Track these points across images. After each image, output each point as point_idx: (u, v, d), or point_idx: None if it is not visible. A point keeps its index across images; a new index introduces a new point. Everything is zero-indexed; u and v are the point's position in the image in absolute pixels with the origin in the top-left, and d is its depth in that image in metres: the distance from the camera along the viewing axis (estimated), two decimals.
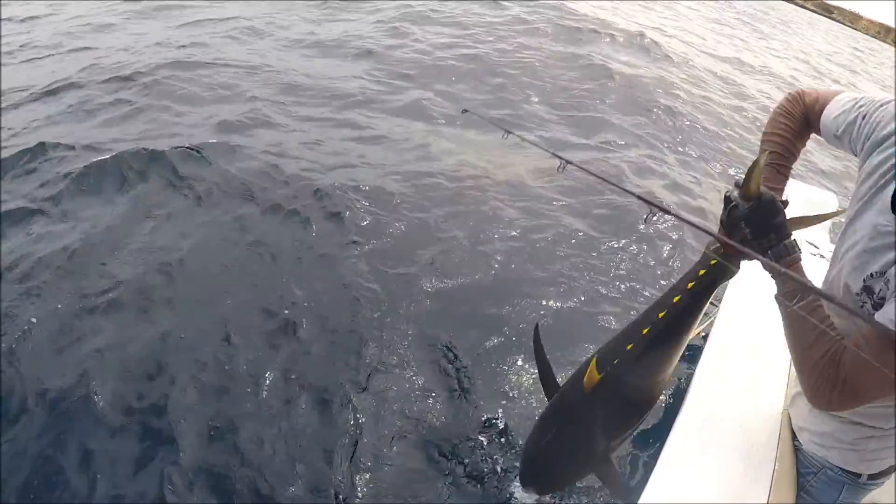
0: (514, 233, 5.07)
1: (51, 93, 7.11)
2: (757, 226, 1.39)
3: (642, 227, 5.21)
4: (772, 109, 1.74)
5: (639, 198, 1.69)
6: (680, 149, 8.06)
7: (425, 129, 7.09)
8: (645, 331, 1.76)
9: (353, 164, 5.93)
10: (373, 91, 8.05)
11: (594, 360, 1.88)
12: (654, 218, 1.72)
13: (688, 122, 9.07)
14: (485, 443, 3.17)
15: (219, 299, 3.99)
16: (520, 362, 3.70)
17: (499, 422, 3.28)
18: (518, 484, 2.45)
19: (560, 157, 2.07)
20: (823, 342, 1.32)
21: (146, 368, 3.42)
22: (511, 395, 3.51)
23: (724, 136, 9.02)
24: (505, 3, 14.67)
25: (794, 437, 1.89)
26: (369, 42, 10.32)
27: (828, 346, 1.31)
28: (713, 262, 1.62)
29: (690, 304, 1.71)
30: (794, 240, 1.41)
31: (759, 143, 1.76)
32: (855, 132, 1.45)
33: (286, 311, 3.90)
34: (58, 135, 5.97)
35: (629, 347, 1.79)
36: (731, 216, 1.44)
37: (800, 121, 1.65)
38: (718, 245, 1.58)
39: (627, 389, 1.88)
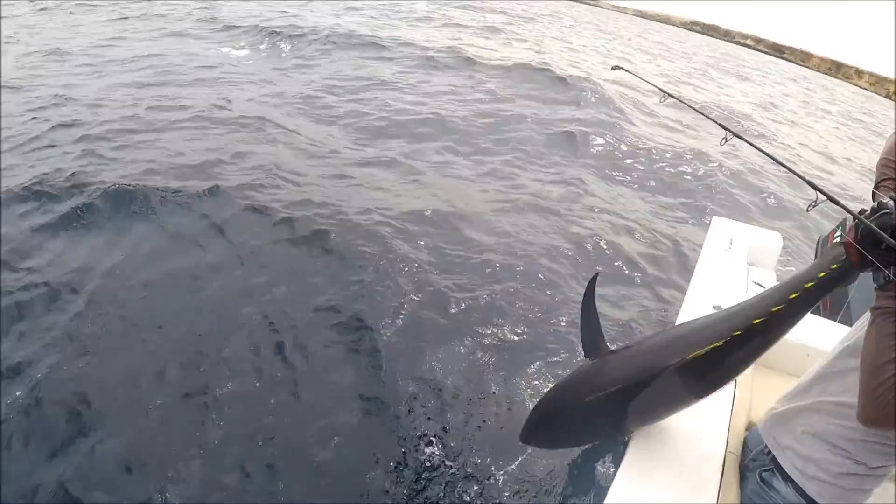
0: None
1: None
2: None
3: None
4: (886, 145, 1.84)
5: (809, 184, 1.93)
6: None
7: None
8: (757, 321, 1.76)
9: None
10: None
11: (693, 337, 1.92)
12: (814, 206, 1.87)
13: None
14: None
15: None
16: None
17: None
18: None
19: (726, 128, 2.32)
20: None
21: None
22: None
23: None
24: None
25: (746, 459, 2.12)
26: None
27: None
28: (835, 266, 1.64)
29: (803, 304, 1.71)
30: None
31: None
32: None
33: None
34: None
35: (736, 333, 1.78)
36: (882, 222, 1.46)
37: None
38: (841, 251, 1.62)
39: (713, 375, 1.92)
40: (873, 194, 1.71)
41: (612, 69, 3.88)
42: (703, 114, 2.82)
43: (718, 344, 1.80)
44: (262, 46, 14.73)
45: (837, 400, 1.70)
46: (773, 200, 9.57)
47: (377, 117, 9.78)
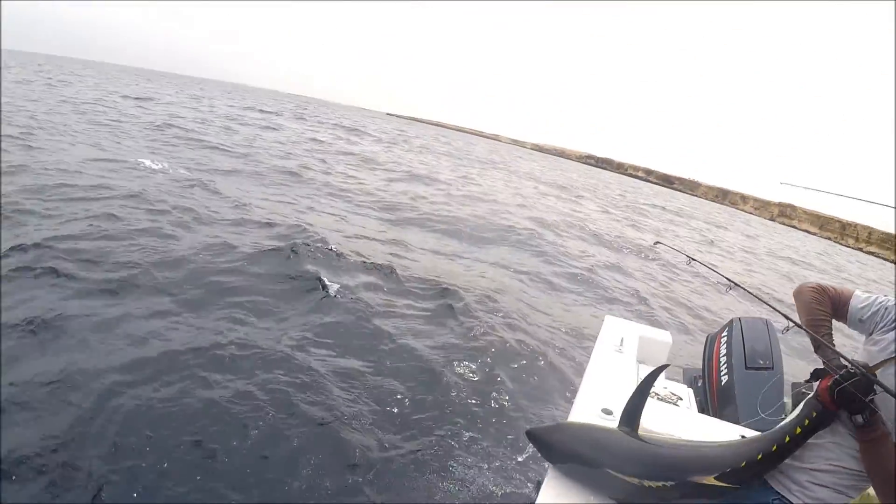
0: None
1: None
2: (869, 390, 1.91)
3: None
4: (801, 300, 2.32)
5: (786, 317, 2.39)
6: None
7: None
8: (759, 456, 2.16)
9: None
10: None
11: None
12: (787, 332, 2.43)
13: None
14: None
15: None
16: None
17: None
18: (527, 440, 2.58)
19: (730, 280, 3.03)
20: None
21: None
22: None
23: None
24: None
25: None
26: None
27: None
28: (815, 413, 2.07)
29: (794, 444, 2.15)
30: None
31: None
32: (879, 318, 2.14)
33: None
34: None
35: (743, 465, 2.17)
36: (857, 384, 1.92)
37: (830, 309, 2.26)
38: (817, 401, 2.07)
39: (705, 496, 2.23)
40: (816, 350, 2.16)
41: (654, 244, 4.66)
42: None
43: (727, 470, 2.17)
44: None
45: (835, 463, 2.10)
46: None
47: None
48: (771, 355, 4.22)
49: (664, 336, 4.47)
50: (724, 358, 4.32)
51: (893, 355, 2.01)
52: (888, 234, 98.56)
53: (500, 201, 23.01)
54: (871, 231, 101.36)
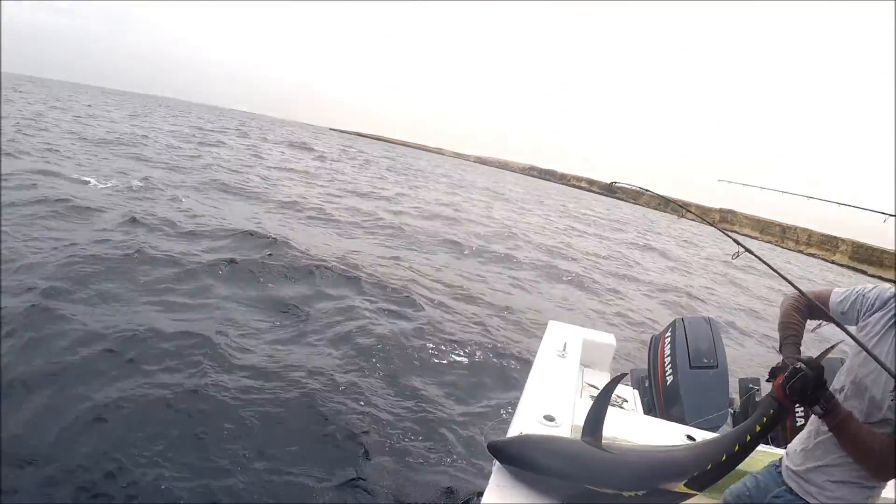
0: None
1: None
2: (818, 384, 2.01)
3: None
4: (781, 308, 2.47)
5: (802, 292, 2.42)
6: None
7: None
8: (723, 457, 2.20)
9: None
10: None
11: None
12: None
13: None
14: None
15: None
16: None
17: None
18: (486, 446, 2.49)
19: (739, 244, 2.86)
20: (874, 439, 2.04)
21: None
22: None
23: None
24: None
25: None
26: None
27: (878, 439, 2.04)
28: (772, 410, 2.14)
29: (754, 443, 2.21)
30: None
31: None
32: (858, 306, 2.29)
33: None
34: None
35: (709, 467, 2.19)
36: (803, 379, 1.99)
37: (806, 313, 2.41)
38: (770, 402, 2.14)
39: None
40: (779, 350, 2.29)
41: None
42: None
43: (695, 474, 2.19)
44: None
45: (845, 455, 2.17)
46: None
47: None
48: (715, 353, 4.30)
49: (608, 339, 4.50)
50: (669, 358, 4.37)
51: (838, 343, 2.21)
52: (827, 236, 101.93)
53: (452, 216, 23.44)
54: (810, 233, 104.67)
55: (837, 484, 2.21)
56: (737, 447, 2.20)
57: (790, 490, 2.38)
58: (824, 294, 2.43)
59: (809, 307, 2.42)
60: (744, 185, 4.33)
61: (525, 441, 2.44)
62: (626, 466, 2.28)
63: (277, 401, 5.25)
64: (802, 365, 2.02)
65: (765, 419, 2.15)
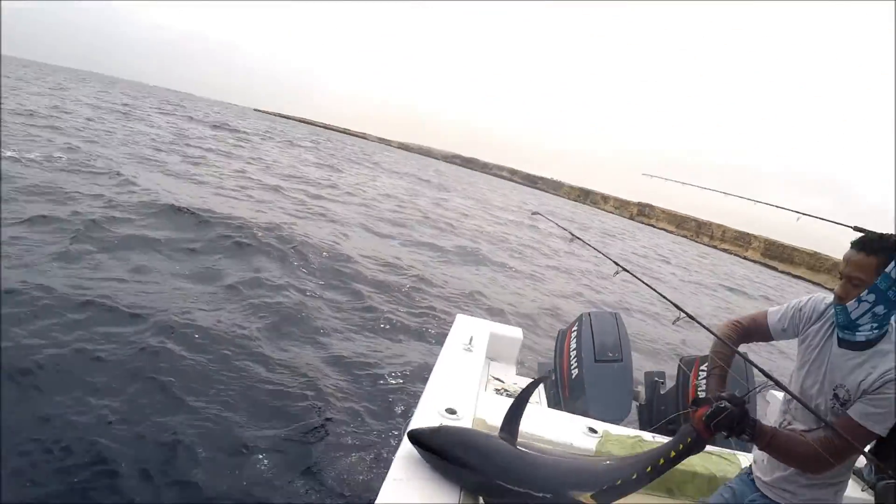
0: None
1: None
2: (743, 418, 2.11)
3: None
4: (718, 334, 2.53)
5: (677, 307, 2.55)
6: None
7: None
8: (634, 476, 2.22)
9: None
10: None
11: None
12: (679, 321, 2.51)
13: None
14: None
15: None
16: None
17: None
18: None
19: (617, 264, 3.04)
20: (800, 445, 2.18)
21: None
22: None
23: None
24: None
25: None
26: None
27: (804, 445, 2.17)
28: (690, 440, 2.18)
29: (667, 466, 2.25)
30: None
31: None
32: (796, 320, 2.42)
33: None
34: None
35: (618, 483, 2.23)
36: (731, 416, 2.08)
37: (738, 341, 2.53)
38: (689, 431, 2.18)
39: None
40: (706, 379, 2.50)
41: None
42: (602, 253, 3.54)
43: (604, 487, 2.22)
44: None
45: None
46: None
47: None
48: (620, 348, 4.40)
49: (515, 332, 4.57)
50: (575, 352, 4.45)
51: (764, 386, 2.32)
52: (741, 233, 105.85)
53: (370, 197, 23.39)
54: (724, 229, 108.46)
55: (806, 487, 2.35)
56: (649, 468, 2.24)
57: (764, 495, 2.51)
58: (760, 317, 2.55)
59: (744, 333, 2.56)
60: (665, 179, 4.48)
61: (442, 431, 2.46)
62: (541, 468, 2.32)
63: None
64: (727, 403, 2.11)
65: (681, 446, 2.21)
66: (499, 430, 2.47)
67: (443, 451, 2.35)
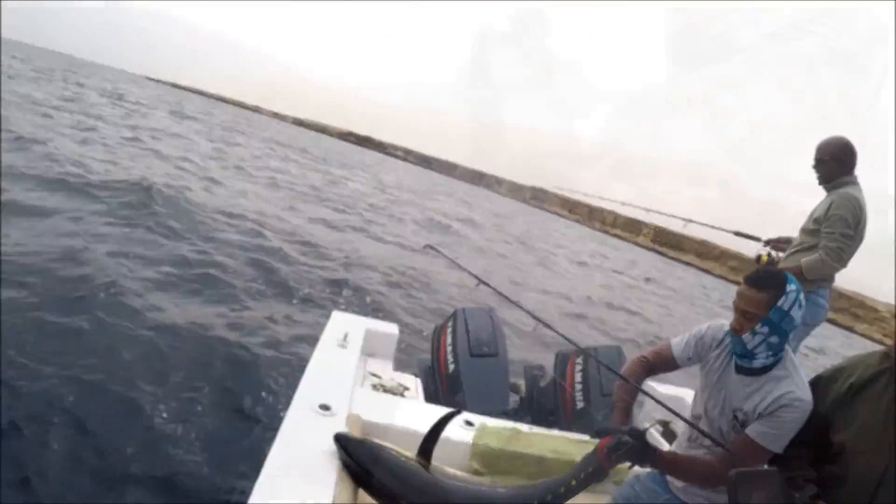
0: None
1: None
2: (643, 449, 2.34)
3: None
4: (623, 372, 2.77)
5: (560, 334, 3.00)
6: None
7: None
8: (549, 496, 2.40)
9: None
10: None
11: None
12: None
13: None
14: None
15: None
16: None
17: None
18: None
19: (477, 277, 3.31)
20: (702, 465, 2.47)
21: None
22: None
23: None
24: None
25: None
26: None
27: (701, 464, 2.48)
28: (591, 468, 2.37)
29: (568, 494, 2.40)
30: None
31: None
32: (699, 349, 2.63)
33: None
34: None
35: (549, 497, 2.40)
36: (631, 450, 2.31)
37: (643, 376, 2.76)
38: (595, 459, 2.38)
39: None
40: (612, 410, 2.64)
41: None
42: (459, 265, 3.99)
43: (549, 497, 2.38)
44: None
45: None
46: None
47: None
48: (495, 342, 4.54)
49: (391, 328, 4.70)
50: (451, 347, 4.55)
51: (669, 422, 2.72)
52: (632, 219, 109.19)
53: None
54: (616, 216, 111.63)
55: (716, 492, 2.54)
56: (550, 496, 2.39)
57: (677, 497, 2.71)
58: (664, 350, 2.77)
59: (650, 368, 2.77)
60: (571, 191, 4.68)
61: (367, 446, 2.53)
62: (452, 494, 2.43)
63: None
64: (627, 437, 2.32)
65: (583, 475, 2.38)
66: (416, 453, 2.56)
67: (360, 463, 2.44)
